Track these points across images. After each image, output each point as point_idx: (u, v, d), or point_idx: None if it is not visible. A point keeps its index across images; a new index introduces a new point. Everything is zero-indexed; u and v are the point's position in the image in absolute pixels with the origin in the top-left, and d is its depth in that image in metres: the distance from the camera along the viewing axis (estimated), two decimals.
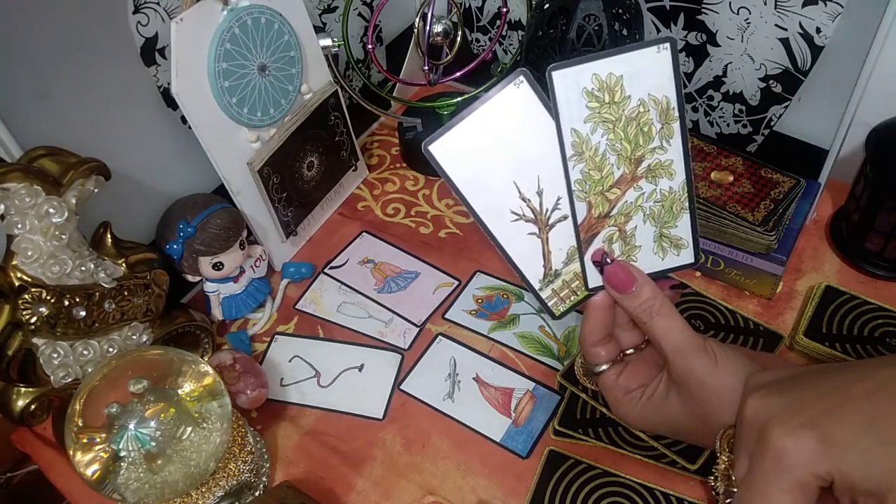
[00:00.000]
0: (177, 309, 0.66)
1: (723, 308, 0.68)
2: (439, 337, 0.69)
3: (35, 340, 0.54)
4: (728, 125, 0.79)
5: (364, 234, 0.80)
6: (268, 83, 0.68)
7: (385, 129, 0.93)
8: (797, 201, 0.70)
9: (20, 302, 0.52)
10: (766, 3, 0.68)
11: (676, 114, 0.46)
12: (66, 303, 0.54)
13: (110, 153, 0.59)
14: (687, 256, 0.49)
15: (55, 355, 0.55)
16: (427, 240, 0.79)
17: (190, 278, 0.68)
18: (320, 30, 0.74)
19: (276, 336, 0.71)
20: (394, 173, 0.87)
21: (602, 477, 0.57)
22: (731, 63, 0.74)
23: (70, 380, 0.56)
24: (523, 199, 0.47)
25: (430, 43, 0.79)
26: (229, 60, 0.63)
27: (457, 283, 0.74)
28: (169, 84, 0.61)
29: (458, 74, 0.85)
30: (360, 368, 0.68)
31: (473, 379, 0.66)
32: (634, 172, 0.47)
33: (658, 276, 0.48)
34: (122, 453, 0.48)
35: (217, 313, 0.71)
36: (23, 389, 0.55)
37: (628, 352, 0.49)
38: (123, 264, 0.60)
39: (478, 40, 0.93)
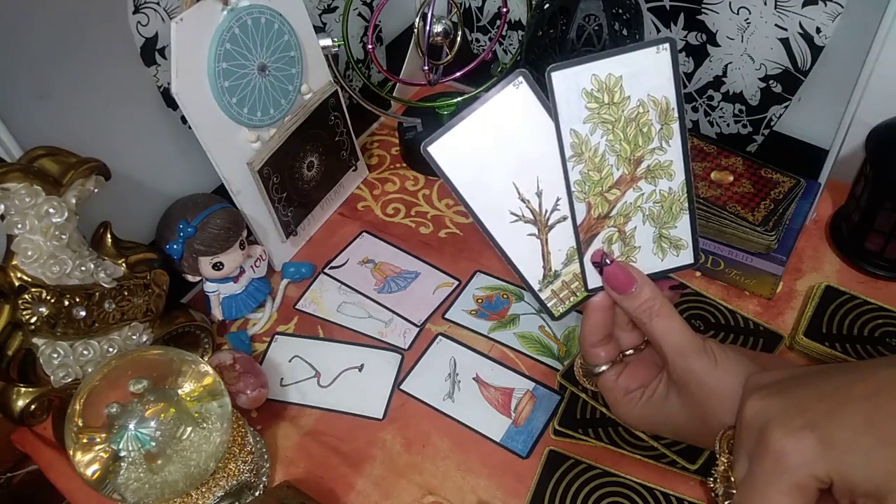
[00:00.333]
0: (177, 309, 0.66)
1: (723, 308, 0.68)
2: (439, 337, 0.69)
3: (35, 340, 0.54)
4: (728, 125, 0.79)
5: (364, 234, 0.80)
6: (268, 83, 0.68)
7: (385, 129, 0.93)
8: (797, 201, 0.70)
9: (20, 302, 0.52)
10: (766, 3, 0.68)
11: (676, 114, 0.46)
12: (66, 303, 0.54)
13: (110, 153, 0.59)
14: (686, 257, 0.49)
15: (55, 355, 0.55)
16: (427, 240, 0.79)
17: (190, 278, 0.68)
18: (320, 30, 0.74)
19: (276, 336, 0.71)
20: (394, 173, 0.87)
21: (602, 477, 0.57)
22: (731, 63, 0.74)
23: (70, 380, 0.56)
24: (522, 200, 0.47)
25: (430, 43, 0.79)
26: (229, 60, 0.63)
27: (457, 283, 0.74)
28: (169, 84, 0.61)
29: (458, 74, 0.85)
30: (360, 368, 0.68)
31: (473, 379, 0.66)
32: (634, 173, 0.47)
33: (657, 277, 0.48)
34: (122, 453, 0.49)
35: (217, 313, 0.71)
36: (23, 389, 0.55)
37: (628, 352, 0.49)
38: (123, 264, 0.60)
39: (478, 40, 0.93)
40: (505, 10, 0.83)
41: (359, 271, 0.76)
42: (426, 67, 0.80)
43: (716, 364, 0.43)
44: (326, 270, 0.77)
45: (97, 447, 0.49)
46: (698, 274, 0.72)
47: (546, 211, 0.47)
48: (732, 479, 0.40)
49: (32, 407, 0.56)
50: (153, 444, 0.49)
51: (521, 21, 0.87)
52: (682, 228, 0.48)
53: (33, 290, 0.53)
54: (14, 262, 0.52)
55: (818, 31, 0.67)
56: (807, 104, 0.72)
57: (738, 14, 0.70)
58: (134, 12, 0.61)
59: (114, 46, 0.61)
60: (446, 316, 0.71)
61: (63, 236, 0.54)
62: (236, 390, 0.61)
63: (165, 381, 0.52)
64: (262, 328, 0.72)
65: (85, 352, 0.56)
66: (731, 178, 0.71)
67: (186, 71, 0.61)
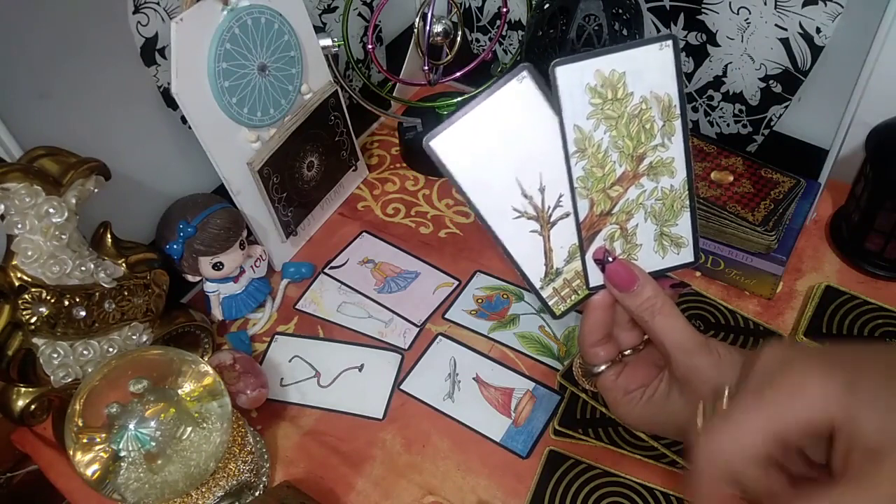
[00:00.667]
0: (177, 309, 0.66)
1: (723, 308, 0.68)
2: (439, 337, 0.69)
3: (35, 340, 0.54)
4: (728, 125, 0.79)
5: (364, 234, 0.80)
6: (268, 83, 0.68)
7: (385, 129, 0.93)
8: (797, 201, 0.70)
9: (20, 302, 0.52)
10: (766, 3, 0.68)
11: (678, 111, 0.46)
12: (66, 303, 0.54)
13: (110, 153, 0.59)
14: (687, 255, 0.49)
15: (55, 355, 0.55)
16: (427, 240, 0.79)
17: (190, 278, 0.68)
18: (320, 30, 0.74)
19: (276, 336, 0.71)
20: (394, 173, 0.87)
21: (602, 477, 0.57)
22: (731, 63, 0.74)
23: (70, 380, 0.56)
24: (525, 196, 0.47)
25: (430, 43, 0.79)
26: (229, 60, 0.63)
27: (457, 283, 0.74)
28: (169, 84, 0.61)
29: (458, 74, 0.85)
30: (360, 368, 0.68)
31: (473, 379, 0.66)
32: (636, 170, 0.47)
33: (658, 275, 0.48)
34: (122, 453, 0.48)
35: (217, 313, 0.71)
36: (23, 389, 0.55)
37: (626, 352, 0.49)
38: (123, 264, 0.60)
39: (478, 40, 0.93)
40: (505, 9, 0.83)
41: (359, 271, 0.76)
42: (426, 67, 0.80)
43: (720, 360, 0.43)
44: (326, 270, 0.77)
45: (97, 447, 0.49)
46: (698, 274, 0.72)
47: (549, 207, 0.47)
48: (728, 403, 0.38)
49: (32, 407, 0.56)
50: (153, 444, 0.49)
51: (521, 21, 0.87)
52: (683, 226, 0.48)
53: (33, 290, 0.53)
54: (14, 262, 0.52)
55: (818, 31, 0.67)
56: (807, 104, 0.72)
57: (738, 14, 0.70)
58: (134, 12, 0.61)
59: (114, 46, 0.61)
60: (446, 316, 0.71)
61: (63, 236, 0.54)
62: (236, 390, 0.61)
63: (165, 381, 0.52)
64: (262, 328, 0.72)
65: (85, 352, 0.56)
66: (731, 178, 0.71)
67: (186, 71, 0.61)
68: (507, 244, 0.48)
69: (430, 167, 0.85)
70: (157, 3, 0.62)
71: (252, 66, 0.66)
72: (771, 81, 0.72)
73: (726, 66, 0.74)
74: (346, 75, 0.85)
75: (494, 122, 0.46)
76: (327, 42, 0.74)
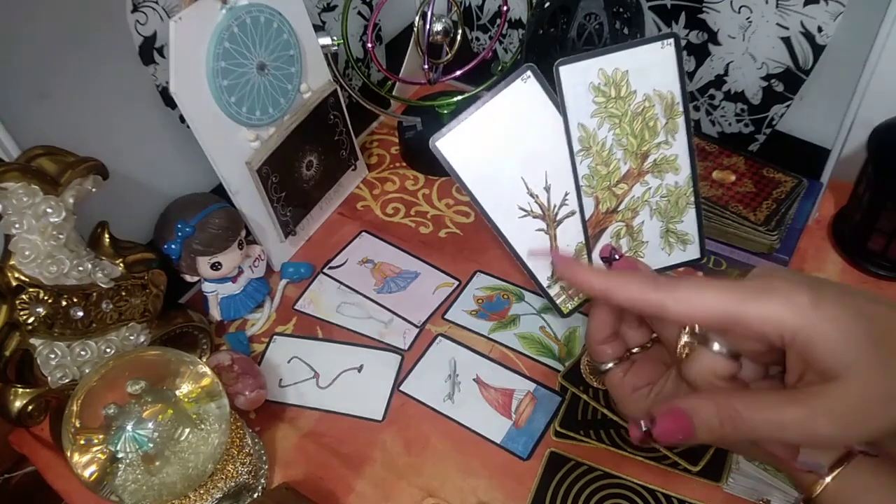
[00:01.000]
0: (175, 309, 0.65)
1: None
2: (439, 337, 0.69)
3: (32, 341, 0.54)
4: (730, 124, 0.78)
5: (363, 233, 0.80)
6: (267, 82, 0.68)
7: (385, 129, 0.93)
8: (799, 201, 0.70)
9: (17, 302, 0.52)
10: (767, 2, 0.68)
11: (681, 108, 0.46)
12: (64, 303, 0.54)
13: (108, 152, 0.58)
14: (693, 252, 0.49)
15: (52, 356, 0.55)
16: (427, 240, 0.79)
17: (188, 278, 0.68)
18: (319, 28, 0.74)
19: (275, 336, 0.71)
20: (393, 173, 0.87)
21: (603, 479, 0.57)
22: (732, 62, 0.73)
23: (67, 380, 0.56)
24: (531, 195, 0.47)
25: (429, 42, 0.78)
26: (228, 59, 0.63)
27: (457, 283, 0.74)
28: (167, 83, 0.60)
29: (458, 73, 0.85)
30: (360, 369, 0.67)
31: (474, 380, 0.65)
32: (641, 167, 0.47)
33: (664, 273, 0.48)
34: (120, 454, 0.48)
35: (215, 314, 0.71)
36: (20, 390, 0.55)
37: (634, 350, 0.49)
38: (121, 264, 0.59)
39: (478, 39, 0.93)
40: (505, 8, 0.83)
41: (358, 271, 0.76)
42: (426, 66, 0.80)
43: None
44: (325, 270, 0.77)
45: (95, 448, 0.49)
46: (700, 274, 0.72)
47: (554, 206, 0.47)
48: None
49: (30, 408, 0.55)
50: (151, 445, 0.48)
51: (522, 20, 0.87)
52: (689, 223, 0.48)
53: (31, 290, 0.52)
54: (11, 262, 0.52)
55: (820, 29, 0.67)
56: (809, 103, 0.72)
57: (739, 13, 0.70)
58: (132, 11, 0.61)
59: (112, 45, 0.61)
60: (446, 316, 0.71)
61: (61, 236, 0.54)
62: (234, 391, 0.60)
63: (163, 382, 0.52)
64: (260, 329, 0.72)
65: (82, 352, 0.56)
66: (732, 178, 0.71)
67: (185, 70, 0.60)
68: (514, 243, 0.48)
69: (429, 166, 0.85)
70: (156, 2, 0.62)
71: (251, 64, 0.66)
72: (773, 80, 0.72)
73: (728, 65, 0.74)
74: (346, 74, 0.84)
75: (499, 121, 0.45)
76: (327, 41, 0.74)
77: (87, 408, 0.50)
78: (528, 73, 0.45)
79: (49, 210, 0.53)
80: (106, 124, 0.63)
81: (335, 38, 0.74)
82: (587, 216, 0.47)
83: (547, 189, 0.47)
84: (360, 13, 0.85)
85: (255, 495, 0.57)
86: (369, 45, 0.77)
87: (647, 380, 0.48)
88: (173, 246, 0.64)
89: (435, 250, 0.77)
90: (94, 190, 0.57)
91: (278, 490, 0.56)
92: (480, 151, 0.46)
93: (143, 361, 0.53)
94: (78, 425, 0.49)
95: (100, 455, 0.49)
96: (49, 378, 0.55)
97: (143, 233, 0.67)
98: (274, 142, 0.70)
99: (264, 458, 0.60)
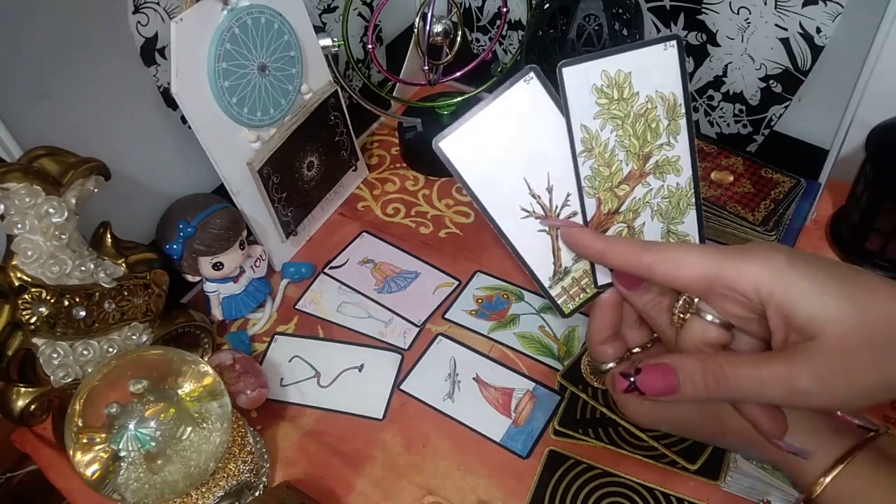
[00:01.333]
0: (177, 309, 0.66)
1: None
2: (439, 337, 0.69)
3: (35, 340, 0.54)
4: (728, 125, 0.79)
5: (364, 234, 0.80)
6: (268, 83, 0.68)
7: (385, 129, 0.93)
8: (797, 201, 0.70)
9: (20, 302, 0.52)
10: (766, 3, 0.68)
11: (683, 110, 0.46)
12: (66, 303, 0.54)
13: (110, 153, 0.59)
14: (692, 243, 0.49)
15: (55, 355, 0.55)
16: (427, 240, 0.79)
17: (190, 278, 0.68)
18: (320, 30, 0.74)
19: (276, 336, 0.71)
20: (394, 173, 0.87)
21: (602, 477, 0.57)
22: (731, 63, 0.74)
23: (70, 380, 0.56)
24: (533, 196, 0.47)
25: (430, 43, 0.79)
26: (229, 60, 0.63)
27: (457, 283, 0.74)
28: (169, 84, 0.61)
29: (458, 74, 0.85)
30: (360, 368, 0.68)
31: (473, 379, 0.66)
32: (643, 169, 0.47)
33: None
34: (122, 453, 0.48)
35: (217, 313, 0.71)
36: (23, 389, 0.55)
37: (635, 350, 0.49)
38: (123, 264, 0.60)
39: (478, 40, 0.93)
40: (505, 9, 0.83)
41: (359, 271, 0.76)
42: (426, 67, 0.80)
43: None
44: (326, 270, 0.77)
45: (97, 447, 0.49)
46: None
47: (556, 207, 0.47)
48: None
49: (32, 407, 0.56)
50: (153, 444, 0.49)
51: (522, 21, 0.87)
52: (690, 224, 0.49)
53: (33, 290, 0.53)
54: (14, 262, 0.52)
55: (818, 30, 0.67)
56: (807, 104, 0.72)
57: (738, 14, 0.70)
58: (134, 12, 0.61)
59: (113, 46, 0.61)
60: (446, 316, 0.71)
61: (63, 236, 0.54)
62: (236, 390, 0.60)
63: (165, 381, 0.52)
64: (261, 328, 0.72)
65: (85, 352, 0.56)
66: (731, 178, 0.71)
67: (186, 71, 0.61)
68: (516, 244, 0.48)
69: (430, 167, 0.85)
70: (157, 3, 0.62)
71: (252, 65, 0.66)
72: (771, 81, 0.72)
73: (726, 65, 0.74)
74: (346, 75, 0.85)
75: (502, 123, 0.46)
76: (327, 42, 0.74)
77: (90, 407, 0.50)
78: (531, 74, 0.45)
79: (51, 210, 0.53)
80: (107, 125, 0.63)
81: (336, 39, 0.75)
82: (589, 217, 0.47)
83: (549, 190, 0.47)
84: (360, 14, 0.85)
85: (257, 494, 0.57)
86: (370, 46, 0.77)
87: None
88: (175, 246, 0.65)
89: (435, 250, 0.78)
90: (95, 190, 0.57)
91: (279, 488, 0.56)
92: (483, 152, 0.46)
93: (146, 361, 0.53)
94: (80, 424, 0.49)
95: (102, 454, 0.49)
96: (52, 377, 0.55)
97: (144, 233, 0.68)
98: (275, 142, 0.70)
99: (266, 456, 0.60)
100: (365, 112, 0.85)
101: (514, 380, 0.65)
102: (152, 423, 0.49)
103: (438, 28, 0.78)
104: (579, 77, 0.44)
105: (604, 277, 0.49)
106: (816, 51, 0.68)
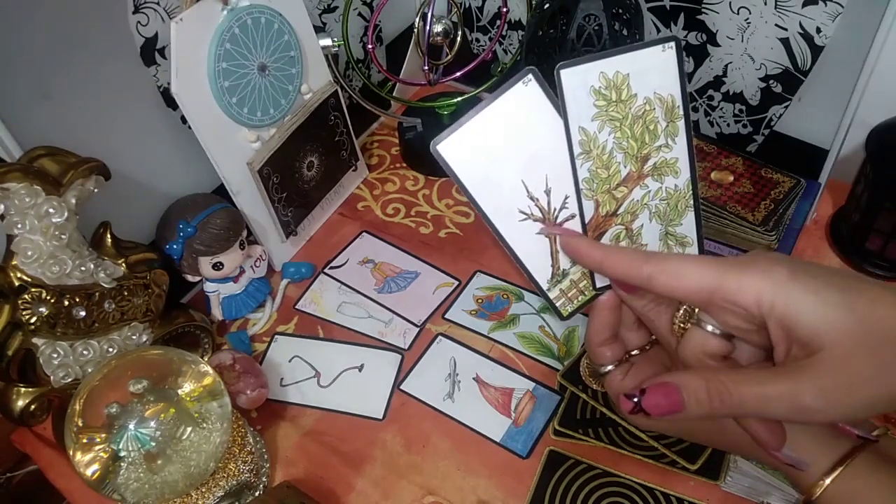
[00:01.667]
0: (177, 309, 0.66)
1: None
2: (439, 337, 0.69)
3: (35, 340, 0.54)
4: (728, 125, 0.79)
5: (364, 234, 0.80)
6: (268, 83, 0.68)
7: (385, 129, 0.93)
8: (797, 201, 0.70)
9: (20, 302, 0.52)
10: (766, 3, 0.68)
11: (681, 112, 0.46)
12: (66, 303, 0.54)
13: (110, 153, 0.59)
14: (692, 254, 0.49)
15: (55, 355, 0.55)
16: (427, 240, 0.79)
17: (190, 278, 0.68)
18: (320, 30, 0.74)
19: (276, 336, 0.71)
20: (394, 173, 0.87)
21: (602, 477, 0.57)
22: (731, 63, 0.74)
23: (70, 380, 0.56)
24: (531, 198, 0.47)
25: (430, 43, 0.79)
26: (229, 60, 0.63)
27: (457, 283, 0.74)
28: (169, 84, 0.61)
29: (458, 74, 0.85)
30: (360, 368, 0.68)
31: (473, 379, 0.66)
32: (641, 170, 0.47)
33: None
34: (122, 453, 0.48)
35: (217, 313, 0.71)
36: (23, 389, 0.55)
37: (633, 353, 0.49)
38: (123, 264, 0.60)
39: (478, 40, 0.93)
40: (505, 9, 0.83)
41: (359, 271, 0.76)
42: (426, 67, 0.80)
43: None
44: (326, 270, 0.77)
45: (97, 447, 0.49)
46: None
47: (555, 209, 0.47)
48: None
49: (32, 407, 0.56)
50: (153, 444, 0.49)
51: (521, 21, 0.87)
52: (688, 226, 0.48)
53: (33, 290, 0.53)
54: (14, 262, 0.52)
55: (818, 30, 0.67)
56: (807, 104, 0.72)
57: (738, 14, 0.70)
58: (134, 12, 0.61)
59: (114, 46, 0.61)
60: (446, 316, 0.71)
61: (63, 236, 0.54)
62: (236, 390, 0.61)
63: (165, 381, 0.52)
64: (261, 328, 0.72)
65: (85, 352, 0.56)
66: (731, 178, 0.71)
67: (186, 71, 0.61)
68: (514, 246, 0.48)
69: (430, 167, 0.85)
70: (157, 3, 0.62)
71: (252, 66, 0.66)
72: (771, 81, 0.72)
73: (726, 66, 0.74)
74: (346, 75, 0.85)
75: (500, 125, 0.46)
76: (327, 42, 0.74)
77: (90, 407, 0.50)
78: (529, 76, 0.45)
79: (51, 210, 0.53)
80: (108, 125, 0.63)
81: (336, 39, 0.75)
82: (587, 219, 0.47)
83: (547, 192, 0.47)
84: (360, 14, 0.85)
85: (257, 494, 0.57)
86: (370, 46, 0.77)
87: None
88: (175, 246, 0.65)
89: (435, 250, 0.78)
90: (95, 190, 0.57)
91: (279, 488, 0.56)
92: (481, 155, 0.46)
93: (146, 361, 0.53)
94: (80, 424, 0.49)
95: (102, 454, 0.49)
96: (52, 377, 0.55)
97: (144, 233, 0.68)
98: (275, 142, 0.70)
99: (266, 456, 0.60)
100: (365, 112, 0.85)
101: (514, 380, 0.65)
102: (152, 423, 0.49)
103: (438, 28, 0.78)
104: (577, 79, 0.44)
105: (602, 280, 0.49)
106: (816, 51, 0.68)
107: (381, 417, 0.64)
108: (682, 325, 0.43)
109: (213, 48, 0.62)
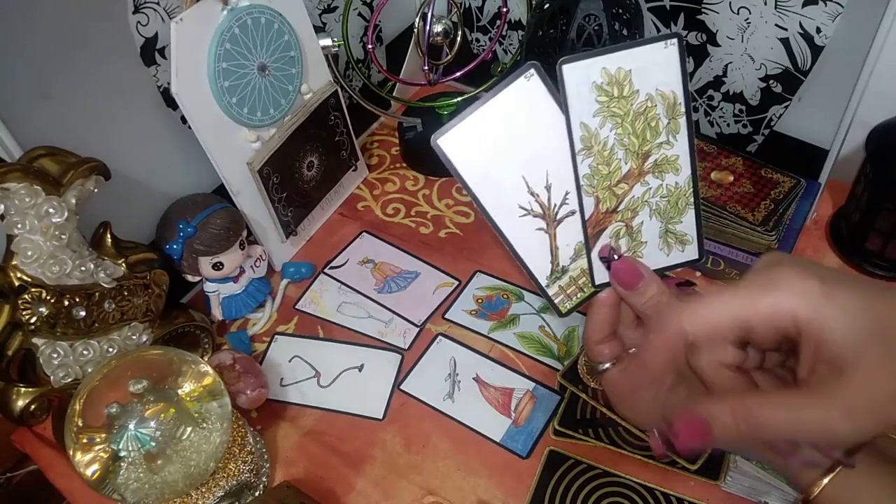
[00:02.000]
0: (177, 309, 0.66)
1: None
2: (439, 337, 0.69)
3: (35, 340, 0.54)
4: (728, 125, 0.79)
5: (364, 234, 0.80)
6: (268, 83, 0.68)
7: (385, 129, 0.93)
8: (797, 201, 0.70)
9: (20, 302, 0.52)
10: (766, 3, 0.68)
11: (683, 109, 0.46)
12: (66, 303, 0.54)
13: (110, 153, 0.59)
14: (692, 252, 0.49)
15: (55, 355, 0.55)
16: (427, 240, 0.79)
17: (190, 278, 0.68)
18: (320, 30, 0.74)
19: (276, 336, 0.71)
20: (394, 173, 0.87)
21: (602, 477, 0.57)
22: (731, 63, 0.74)
23: (70, 380, 0.56)
24: (532, 194, 0.47)
25: (430, 43, 0.79)
26: (229, 60, 0.63)
27: (457, 283, 0.74)
28: (169, 84, 0.61)
29: (458, 74, 0.85)
30: (360, 368, 0.68)
31: (473, 379, 0.66)
32: (641, 167, 0.47)
33: (663, 273, 0.48)
34: (122, 453, 0.48)
35: (217, 313, 0.71)
36: (23, 389, 0.55)
37: (632, 350, 0.49)
38: (123, 264, 0.60)
39: (478, 40, 0.93)
40: (505, 9, 0.83)
41: (359, 271, 0.76)
42: (426, 67, 0.80)
43: None
44: (326, 270, 0.77)
45: (97, 447, 0.49)
46: (698, 274, 0.72)
47: (555, 205, 0.47)
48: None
49: (32, 407, 0.56)
50: (153, 444, 0.49)
51: (521, 21, 0.87)
52: (688, 223, 0.48)
53: (33, 290, 0.53)
54: (14, 262, 0.52)
55: (818, 30, 0.67)
56: (807, 104, 0.72)
57: (738, 14, 0.70)
58: (134, 12, 0.61)
59: (114, 46, 0.61)
60: (446, 316, 0.71)
61: (63, 236, 0.54)
62: (236, 390, 0.61)
63: (165, 381, 0.52)
64: (261, 328, 0.72)
65: (85, 352, 0.56)
66: (731, 178, 0.71)
67: (186, 71, 0.61)
68: (514, 242, 0.48)
69: (430, 167, 0.85)
70: (157, 3, 0.62)
71: (252, 66, 0.66)
72: (771, 81, 0.72)
73: (726, 65, 0.74)
74: (346, 75, 0.85)
75: (501, 120, 0.46)
76: (327, 42, 0.74)
77: (90, 407, 0.50)
78: (532, 70, 0.45)
79: (51, 210, 0.53)
80: (108, 125, 0.63)
81: (336, 39, 0.75)
82: (587, 216, 0.47)
83: (548, 188, 0.47)
84: (360, 14, 0.85)
85: (257, 493, 0.57)
86: (370, 46, 0.77)
87: (644, 380, 0.48)
88: (175, 246, 0.65)
89: (435, 250, 0.78)
90: (95, 190, 0.57)
91: (279, 488, 0.56)
92: (482, 149, 0.46)
93: (146, 361, 0.53)
94: (80, 424, 0.49)
95: (102, 454, 0.49)
96: (52, 377, 0.55)
97: (144, 233, 0.68)
98: (275, 142, 0.70)
99: (266, 456, 0.60)
100: (365, 112, 0.85)
101: (514, 380, 0.65)
102: (152, 423, 0.49)
103: (438, 28, 0.78)
104: (580, 74, 0.44)
105: (601, 277, 0.48)
106: (816, 51, 0.68)
107: (381, 417, 0.64)
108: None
109: (213, 48, 0.62)
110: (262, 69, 0.67)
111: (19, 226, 0.52)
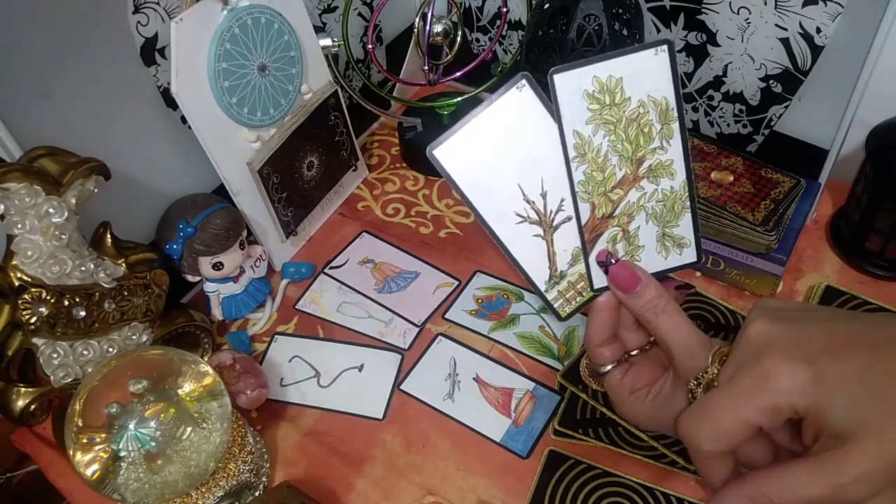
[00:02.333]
0: (177, 309, 0.66)
1: (723, 308, 0.68)
2: (439, 337, 0.69)
3: (35, 340, 0.54)
4: (728, 125, 0.79)
5: (364, 234, 0.80)
6: (268, 83, 0.68)
7: (385, 129, 0.94)
8: (797, 201, 0.70)
9: (20, 302, 0.52)
10: (766, 3, 0.68)
11: (675, 114, 0.46)
12: (66, 303, 0.54)
13: (110, 153, 0.59)
14: (689, 255, 0.49)
15: (55, 355, 0.55)
16: (427, 240, 0.79)
17: (190, 278, 0.68)
18: (320, 30, 0.74)
19: (276, 336, 0.71)
20: (394, 173, 0.87)
21: (602, 477, 0.57)
22: (731, 63, 0.74)
23: (70, 380, 0.56)
24: (527, 202, 0.47)
25: (430, 43, 0.79)
26: (229, 60, 0.63)
27: (457, 283, 0.74)
28: (169, 84, 0.61)
29: (458, 74, 0.85)
30: (360, 368, 0.68)
31: (473, 379, 0.66)
32: (636, 173, 0.47)
33: (661, 276, 0.48)
34: (122, 453, 0.48)
35: (217, 313, 0.71)
36: (23, 389, 0.55)
37: (633, 353, 0.49)
38: (123, 264, 0.60)
39: (478, 40, 0.93)
40: (505, 9, 0.83)
41: (359, 271, 0.76)
42: (426, 67, 0.80)
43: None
44: (326, 270, 0.77)
45: (97, 447, 0.49)
46: (698, 274, 0.72)
47: (551, 212, 0.48)
48: (715, 384, 0.41)
49: (32, 407, 0.56)
50: (153, 444, 0.49)
51: (521, 21, 0.87)
52: (685, 227, 0.49)
53: (33, 290, 0.53)
54: (14, 262, 0.52)
55: (818, 30, 0.67)
56: (807, 104, 0.72)
57: (738, 14, 0.70)
58: (134, 12, 0.61)
59: (114, 46, 0.61)
60: (446, 316, 0.71)
61: (63, 236, 0.54)
62: (236, 390, 0.61)
63: (165, 381, 0.52)
64: (261, 328, 0.72)
65: (85, 352, 0.56)
66: (731, 178, 0.71)
67: (186, 71, 0.61)
68: (512, 249, 0.48)
69: (430, 167, 0.84)
70: (157, 3, 0.62)
71: (252, 66, 0.66)
72: (771, 81, 0.72)
73: (726, 65, 0.74)
74: (346, 75, 0.85)
75: (495, 129, 0.46)
76: (327, 42, 0.74)
77: (90, 407, 0.50)
78: (523, 81, 0.45)
79: (51, 210, 0.53)
80: (108, 125, 0.63)
81: (336, 39, 0.75)
82: (583, 221, 0.47)
83: (543, 195, 0.47)
84: (360, 14, 0.85)
85: (257, 494, 0.57)
86: (370, 46, 0.77)
87: (645, 381, 0.48)
88: (175, 246, 0.65)
89: (435, 250, 0.78)
90: (95, 190, 0.57)
91: (279, 488, 0.56)
92: (477, 159, 0.47)
93: (146, 361, 0.53)
94: (80, 424, 0.49)
95: (102, 454, 0.49)
96: (52, 377, 0.55)
97: (144, 233, 0.68)
98: (275, 142, 0.70)
99: (266, 456, 0.60)
100: (365, 112, 0.85)
101: (514, 380, 0.65)
102: (152, 423, 0.49)
103: (438, 28, 0.78)
104: (571, 83, 0.45)
105: (600, 281, 0.49)
106: (816, 51, 0.68)
107: (381, 417, 0.64)
108: (695, 389, 0.43)
109: (213, 48, 0.62)
110: (262, 69, 0.67)
111: (19, 226, 0.52)
